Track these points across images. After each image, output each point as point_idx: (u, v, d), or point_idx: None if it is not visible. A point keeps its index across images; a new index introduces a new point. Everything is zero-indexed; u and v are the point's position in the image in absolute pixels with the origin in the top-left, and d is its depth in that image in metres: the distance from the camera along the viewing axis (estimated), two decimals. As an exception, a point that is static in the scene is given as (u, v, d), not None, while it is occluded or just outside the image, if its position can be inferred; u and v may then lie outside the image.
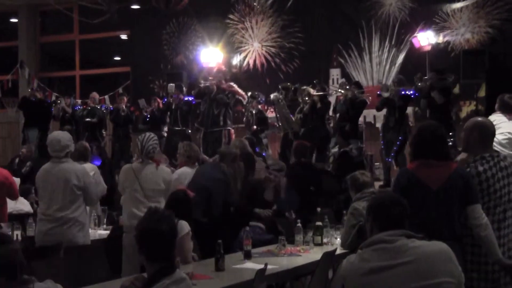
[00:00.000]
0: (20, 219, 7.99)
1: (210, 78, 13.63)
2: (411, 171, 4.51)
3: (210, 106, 13.00)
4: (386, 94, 11.47)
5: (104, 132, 15.11)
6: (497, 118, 7.56)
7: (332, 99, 13.45)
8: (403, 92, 11.38)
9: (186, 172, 7.78)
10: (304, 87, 12.70)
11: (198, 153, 8.29)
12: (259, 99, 13.59)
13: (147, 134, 6.71)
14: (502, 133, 7.05)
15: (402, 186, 4.48)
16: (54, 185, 6.47)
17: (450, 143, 9.59)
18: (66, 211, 6.41)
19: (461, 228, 4.46)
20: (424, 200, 4.39)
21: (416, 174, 4.46)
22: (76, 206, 6.48)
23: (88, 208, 7.05)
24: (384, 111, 11.79)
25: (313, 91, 12.34)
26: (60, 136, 6.64)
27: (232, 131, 13.12)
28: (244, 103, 13.75)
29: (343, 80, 13.91)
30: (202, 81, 13.69)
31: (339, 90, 12.60)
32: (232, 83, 13.51)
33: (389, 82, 13.20)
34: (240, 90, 13.43)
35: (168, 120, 14.33)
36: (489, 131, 4.85)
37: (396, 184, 4.62)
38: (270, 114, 14.02)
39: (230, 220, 7.07)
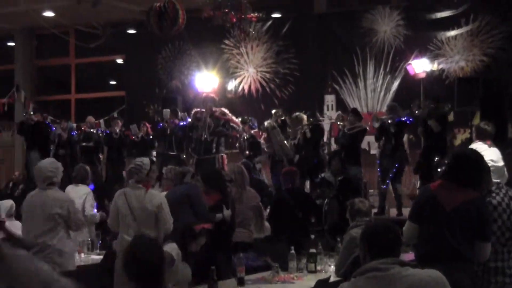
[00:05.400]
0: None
1: (201, 111, 13.15)
2: (431, 189, 4.80)
3: (203, 133, 12.88)
4: (376, 125, 11.50)
5: (101, 156, 15.12)
6: (478, 147, 7.62)
7: (326, 126, 13.45)
8: (399, 119, 11.38)
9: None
10: (297, 113, 12.64)
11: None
12: (251, 124, 13.51)
13: (137, 159, 6.78)
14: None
15: (420, 200, 4.89)
16: (35, 213, 6.45)
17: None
18: (44, 238, 6.36)
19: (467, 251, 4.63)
20: (437, 218, 4.63)
21: (435, 193, 4.72)
22: (55, 234, 6.42)
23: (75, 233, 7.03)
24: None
25: (305, 119, 12.34)
26: (42, 165, 6.61)
27: (225, 156, 12.94)
28: (238, 130, 13.57)
29: (339, 112, 13.80)
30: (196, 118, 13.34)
31: (339, 123, 12.50)
32: (223, 109, 13.08)
33: (384, 109, 13.18)
34: (234, 118, 13.08)
35: (156, 144, 14.35)
36: (487, 165, 5.07)
37: (416, 199, 5.08)
38: (260, 139, 13.81)
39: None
